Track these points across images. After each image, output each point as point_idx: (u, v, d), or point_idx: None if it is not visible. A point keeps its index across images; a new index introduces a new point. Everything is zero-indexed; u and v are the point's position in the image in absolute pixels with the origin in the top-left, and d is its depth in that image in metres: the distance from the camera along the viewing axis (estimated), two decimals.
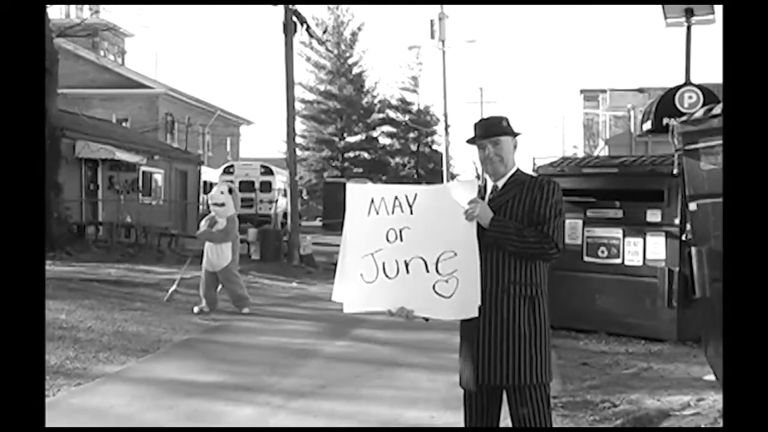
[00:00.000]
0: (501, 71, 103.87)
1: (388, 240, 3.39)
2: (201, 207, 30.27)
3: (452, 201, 3.36)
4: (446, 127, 37.09)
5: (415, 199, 3.39)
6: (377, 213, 3.41)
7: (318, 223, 37.52)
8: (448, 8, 45.95)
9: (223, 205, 10.10)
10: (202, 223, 10.40)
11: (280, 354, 7.72)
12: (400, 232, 3.38)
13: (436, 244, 3.35)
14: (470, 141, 3.57)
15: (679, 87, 12.00)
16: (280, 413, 5.56)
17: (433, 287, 3.33)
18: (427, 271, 3.34)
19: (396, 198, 3.41)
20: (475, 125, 3.59)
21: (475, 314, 3.33)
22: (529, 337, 3.34)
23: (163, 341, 8.11)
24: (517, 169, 3.54)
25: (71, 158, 19.58)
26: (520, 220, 3.38)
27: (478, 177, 3.66)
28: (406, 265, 3.36)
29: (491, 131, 3.51)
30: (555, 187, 3.45)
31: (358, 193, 3.49)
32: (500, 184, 3.50)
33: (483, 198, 3.50)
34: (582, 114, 38.81)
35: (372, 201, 3.42)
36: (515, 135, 3.55)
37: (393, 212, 3.40)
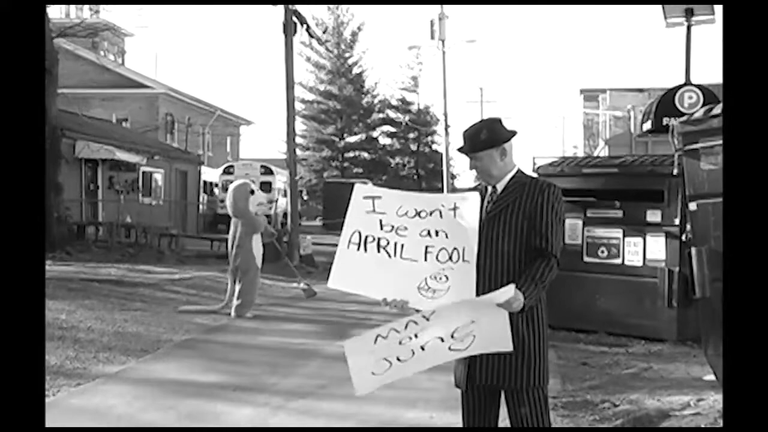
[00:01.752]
0: (501, 71, 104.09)
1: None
2: (201, 207, 30.29)
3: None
4: (446, 127, 37.09)
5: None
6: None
7: (318, 223, 37.52)
8: (448, 8, 46.01)
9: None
10: (263, 221, 10.37)
11: (280, 354, 7.72)
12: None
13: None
14: (459, 150, 3.52)
15: (679, 87, 12.01)
16: (280, 413, 5.56)
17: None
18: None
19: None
20: (462, 135, 3.50)
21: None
22: (526, 342, 3.32)
23: (163, 341, 8.11)
24: (518, 170, 3.46)
25: (71, 158, 19.59)
26: (520, 226, 3.34)
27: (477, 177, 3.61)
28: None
29: (470, 147, 3.43)
30: (556, 193, 3.37)
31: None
32: (500, 187, 3.44)
33: (482, 199, 3.48)
34: (582, 114, 38.84)
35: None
36: (498, 145, 3.40)
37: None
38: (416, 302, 3.35)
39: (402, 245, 3.37)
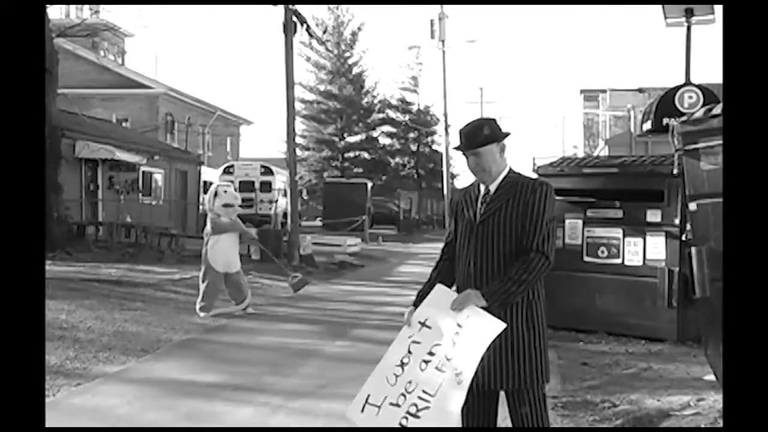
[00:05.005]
0: (501, 71, 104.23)
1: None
2: (201, 207, 30.28)
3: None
4: (446, 127, 37.14)
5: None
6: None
7: (318, 223, 37.51)
8: (448, 8, 46.04)
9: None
10: (224, 221, 10.20)
11: (280, 354, 7.72)
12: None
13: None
14: (456, 149, 3.54)
15: (679, 87, 11.99)
16: (280, 413, 5.56)
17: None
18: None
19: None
20: (459, 133, 3.53)
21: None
22: (527, 341, 3.33)
23: (163, 341, 8.11)
24: (510, 170, 3.48)
25: (71, 158, 19.57)
26: (514, 226, 3.35)
27: None
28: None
29: (470, 143, 3.44)
30: (548, 191, 3.39)
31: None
32: (492, 187, 3.45)
33: (476, 200, 3.49)
34: (582, 114, 38.85)
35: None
36: (499, 141, 3.44)
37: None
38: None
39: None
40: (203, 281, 10.03)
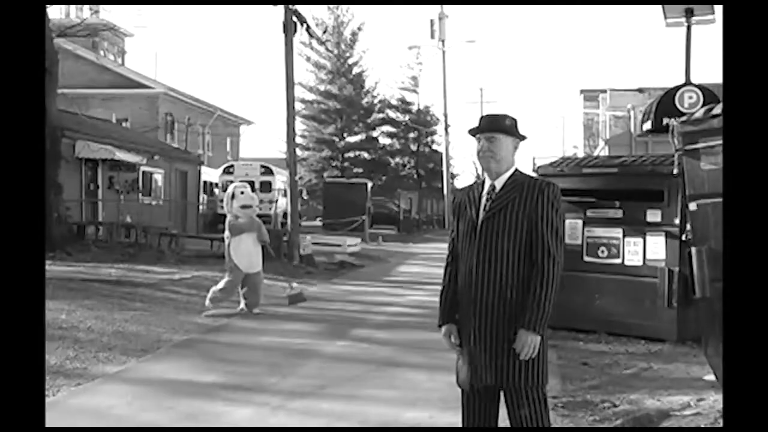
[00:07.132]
0: (501, 71, 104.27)
1: None
2: (201, 207, 30.30)
3: None
4: (446, 127, 37.20)
5: None
6: None
7: (318, 223, 37.50)
8: (448, 8, 46.05)
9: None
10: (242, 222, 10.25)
11: (280, 354, 7.71)
12: None
13: None
14: (470, 131, 3.56)
15: (679, 87, 12.00)
16: (280, 413, 5.56)
17: None
18: None
19: None
20: (480, 118, 3.60)
21: None
22: None
23: (163, 341, 8.10)
24: (516, 170, 3.51)
25: (71, 158, 19.57)
26: (520, 224, 3.36)
27: (478, 177, 3.64)
28: None
29: (490, 126, 3.50)
30: (555, 192, 3.41)
31: None
32: (498, 184, 3.47)
33: (480, 197, 3.49)
34: (582, 114, 38.82)
35: None
36: (517, 136, 3.51)
37: None
38: None
39: None
40: (228, 275, 10.17)
